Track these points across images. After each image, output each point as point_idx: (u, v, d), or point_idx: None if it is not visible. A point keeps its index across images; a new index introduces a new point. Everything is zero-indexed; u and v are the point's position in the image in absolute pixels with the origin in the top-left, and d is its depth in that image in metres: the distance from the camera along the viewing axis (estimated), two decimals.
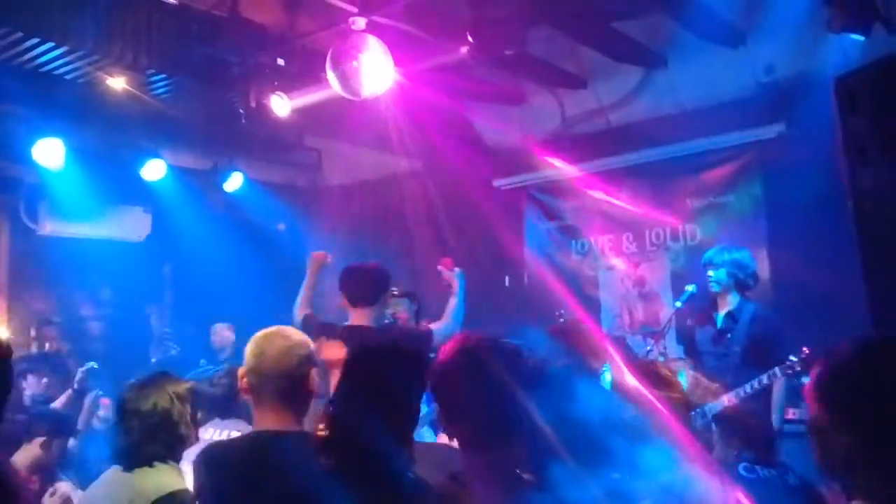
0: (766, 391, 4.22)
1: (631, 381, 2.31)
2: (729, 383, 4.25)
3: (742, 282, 4.63)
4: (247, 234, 7.22)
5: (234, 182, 6.80)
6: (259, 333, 2.18)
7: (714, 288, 4.65)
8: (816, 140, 4.25)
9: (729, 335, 4.59)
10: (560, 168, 6.65)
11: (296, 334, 2.21)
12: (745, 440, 3.11)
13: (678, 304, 4.87)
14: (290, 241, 7.72)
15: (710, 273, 4.65)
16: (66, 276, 6.50)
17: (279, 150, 7.20)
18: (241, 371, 2.16)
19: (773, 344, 4.38)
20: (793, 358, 4.09)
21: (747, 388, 4.17)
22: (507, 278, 7.11)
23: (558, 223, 6.96)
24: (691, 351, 4.85)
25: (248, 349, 2.16)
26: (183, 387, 2.55)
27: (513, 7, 3.99)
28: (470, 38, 4.05)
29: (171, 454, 2.47)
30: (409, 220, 6.92)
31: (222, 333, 6.52)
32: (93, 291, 6.92)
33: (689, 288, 4.80)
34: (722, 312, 4.67)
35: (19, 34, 4.23)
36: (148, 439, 2.42)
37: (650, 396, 2.18)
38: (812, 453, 1.35)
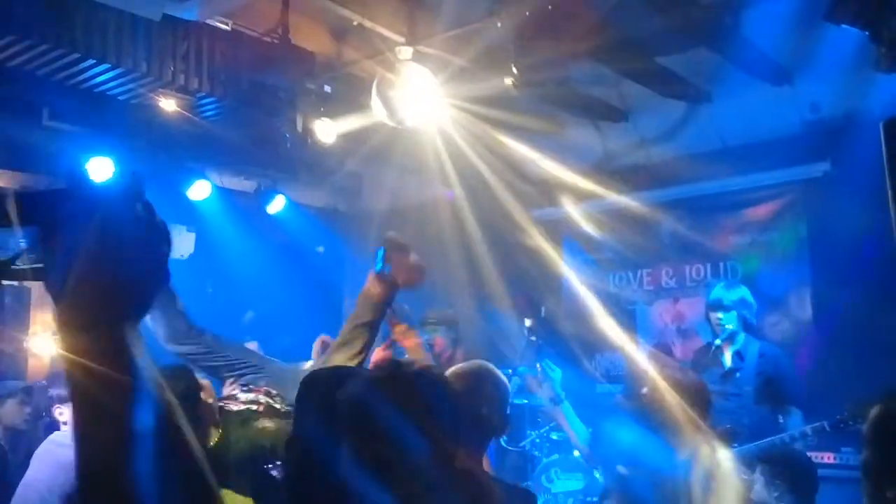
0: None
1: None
2: (746, 424, 4.18)
3: (748, 320, 4.59)
4: (287, 256, 7.32)
5: (276, 204, 6.91)
6: None
7: (724, 333, 4.58)
8: (862, 180, 4.18)
9: (738, 374, 4.53)
10: (600, 200, 6.64)
11: None
12: (791, 483, 3.04)
13: (718, 341, 4.81)
14: (329, 264, 7.81)
15: (720, 316, 4.59)
16: None
17: (321, 174, 7.30)
18: None
19: (785, 380, 4.32)
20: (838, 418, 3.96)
21: (786, 437, 4.07)
22: (542, 309, 7.09)
23: (597, 256, 6.94)
24: None
25: None
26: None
27: (557, 40, 4.03)
28: (514, 70, 4.09)
29: None
30: (448, 247, 6.94)
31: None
32: None
33: (730, 326, 4.74)
34: (728, 352, 4.60)
35: (76, 55, 4.37)
36: None
37: None
38: (864, 496, 1.33)
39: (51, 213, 0.79)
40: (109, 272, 0.78)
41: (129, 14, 4.03)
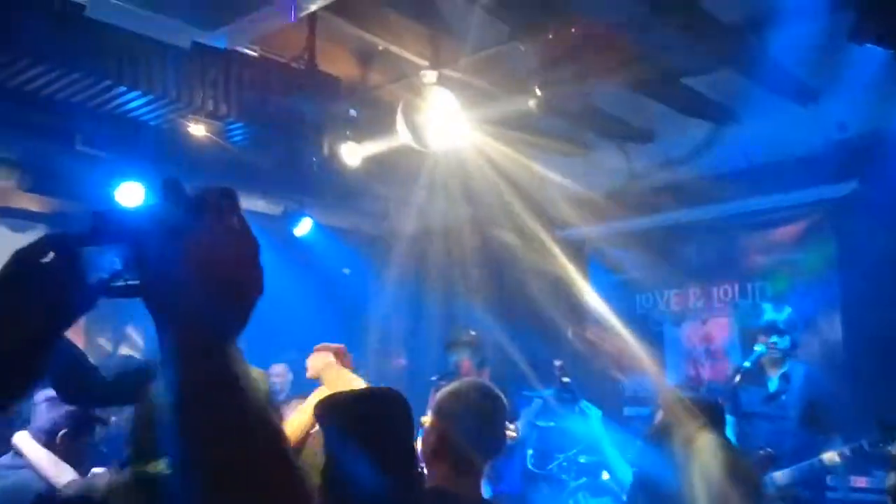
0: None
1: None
2: (787, 448, 4.12)
3: (795, 342, 4.55)
4: (313, 278, 7.37)
5: (303, 227, 6.97)
6: None
7: (776, 355, 4.54)
8: (890, 198, 4.15)
9: (783, 397, 4.47)
10: (625, 221, 6.63)
11: None
12: None
13: (747, 364, 4.75)
14: (355, 286, 7.85)
15: (774, 339, 4.54)
16: (138, 315, 6.71)
17: (348, 197, 7.36)
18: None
19: (830, 407, 4.26)
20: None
21: (816, 462, 4.02)
22: (569, 330, 7.07)
23: (622, 277, 6.91)
24: (735, 411, 4.72)
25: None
26: None
27: (581, 62, 4.05)
28: (538, 92, 4.12)
29: None
30: (473, 269, 6.97)
31: (282, 374, 6.61)
32: None
33: (759, 348, 4.68)
34: (775, 374, 4.54)
35: (108, 82, 4.47)
36: None
37: None
38: None
39: (146, 229, 0.79)
40: (222, 289, 0.77)
41: (160, 42, 4.11)
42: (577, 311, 7.03)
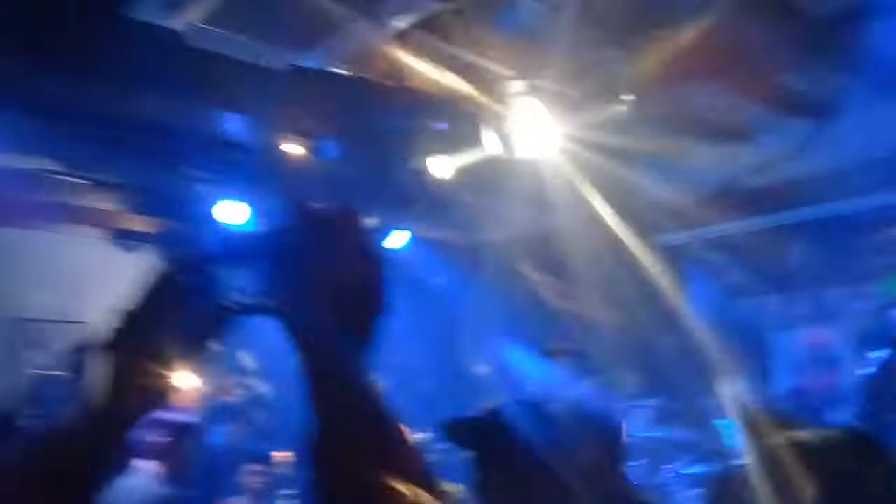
0: None
1: None
2: None
3: None
4: (408, 289, 7.45)
5: (396, 240, 7.06)
6: None
7: None
8: None
9: None
10: (724, 225, 6.43)
11: None
12: None
13: (866, 370, 4.51)
14: (448, 296, 7.91)
15: None
16: (247, 328, 6.93)
17: (438, 208, 7.42)
18: None
19: None
20: None
21: None
22: (668, 339, 6.89)
23: (723, 283, 6.70)
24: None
25: None
26: None
27: (675, 64, 3.96)
28: (631, 97, 4.04)
29: None
30: (566, 278, 6.89)
31: None
32: (273, 341, 7.35)
33: (879, 353, 4.45)
34: None
35: (208, 106, 4.66)
36: None
37: None
38: None
39: (276, 250, 0.82)
40: (351, 308, 0.79)
41: (256, 65, 4.25)
42: (675, 320, 6.85)
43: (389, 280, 0.84)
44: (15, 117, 3.97)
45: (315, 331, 0.79)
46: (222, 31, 3.29)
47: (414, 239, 7.27)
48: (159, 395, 0.89)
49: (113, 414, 0.87)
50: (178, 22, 3.29)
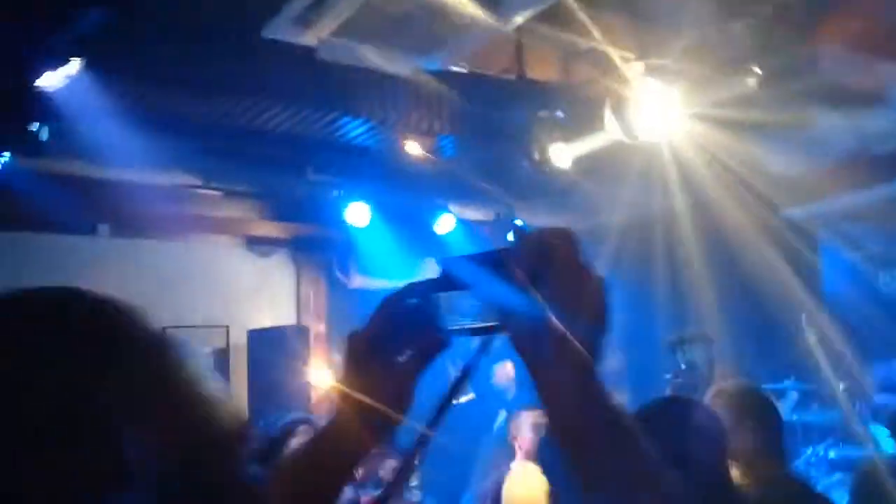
0: None
1: None
2: None
3: None
4: None
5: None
6: None
7: None
8: None
9: None
10: (857, 193, 6.13)
11: None
12: None
13: None
14: None
15: None
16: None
17: (554, 195, 7.40)
18: None
19: None
20: None
21: None
22: (803, 316, 6.63)
23: (860, 254, 6.39)
24: None
25: None
26: None
27: (801, 29, 3.82)
28: (758, 70, 3.93)
29: None
30: (694, 260, 6.74)
31: (505, 373, 6.72)
32: None
33: None
34: None
35: (335, 114, 4.83)
36: None
37: None
38: None
39: (500, 275, 0.83)
40: (580, 328, 0.82)
41: (378, 70, 4.38)
42: (811, 296, 6.59)
43: (611, 300, 0.85)
44: (163, 137, 4.25)
45: (544, 355, 0.81)
46: (351, 43, 3.41)
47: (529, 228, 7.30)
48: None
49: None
50: (308, 38, 3.44)
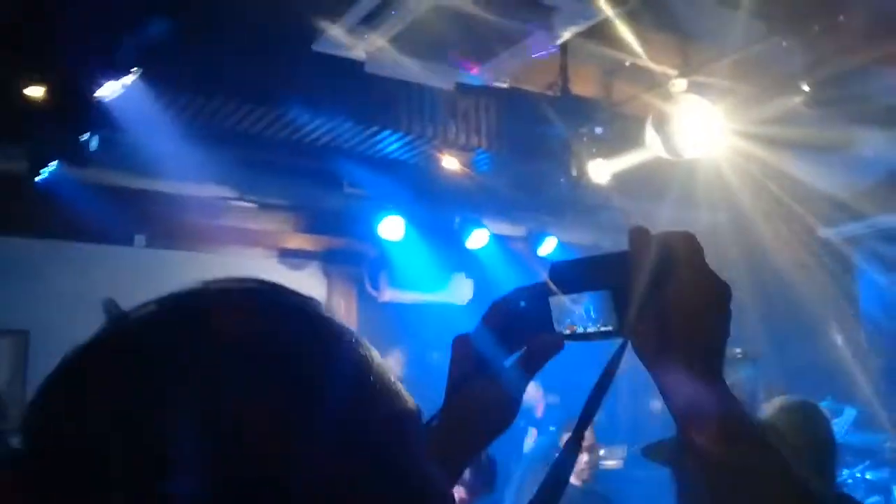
0: None
1: None
2: None
3: None
4: None
5: (547, 246, 7.06)
6: None
7: None
8: None
9: None
10: None
11: None
12: None
13: None
14: None
15: None
16: (402, 338, 7.14)
17: (587, 213, 7.36)
18: None
19: None
20: None
21: None
22: (839, 338, 6.54)
23: None
24: None
25: None
26: None
27: (853, 51, 3.78)
28: (806, 88, 3.89)
29: None
30: (734, 278, 6.67)
31: (534, 389, 6.68)
32: (422, 353, 7.52)
33: None
34: None
35: (374, 128, 4.83)
36: None
37: None
38: None
39: (621, 279, 0.83)
40: (699, 334, 0.81)
41: (418, 84, 4.38)
42: (849, 315, 6.50)
43: (729, 309, 0.83)
44: (206, 148, 4.27)
45: (666, 360, 0.80)
46: (399, 56, 3.41)
47: (561, 244, 7.24)
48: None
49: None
50: (357, 51, 3.44)
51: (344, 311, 6.92)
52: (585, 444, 4.11)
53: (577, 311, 0.88)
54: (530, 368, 0.91)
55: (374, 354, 0.59)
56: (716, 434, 0.76)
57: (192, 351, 0.53)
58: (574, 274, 0.89)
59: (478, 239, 6.48)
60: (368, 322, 6.99)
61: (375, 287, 7.01)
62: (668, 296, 0.80)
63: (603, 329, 0.85)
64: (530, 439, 6.49)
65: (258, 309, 0.58)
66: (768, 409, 2.43)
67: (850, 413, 5.42)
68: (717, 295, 0.82)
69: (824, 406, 5.61)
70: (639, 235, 0.85)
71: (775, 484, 0.76)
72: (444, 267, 7.07)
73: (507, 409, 0.92)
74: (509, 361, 0.92)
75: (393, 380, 0.59)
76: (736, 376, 4.50)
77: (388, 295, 6.98)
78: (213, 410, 0.50)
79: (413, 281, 6.88)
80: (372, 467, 0.53)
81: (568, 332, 0.89)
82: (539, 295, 0.91)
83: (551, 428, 5.96)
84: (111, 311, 0.58)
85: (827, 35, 3.78)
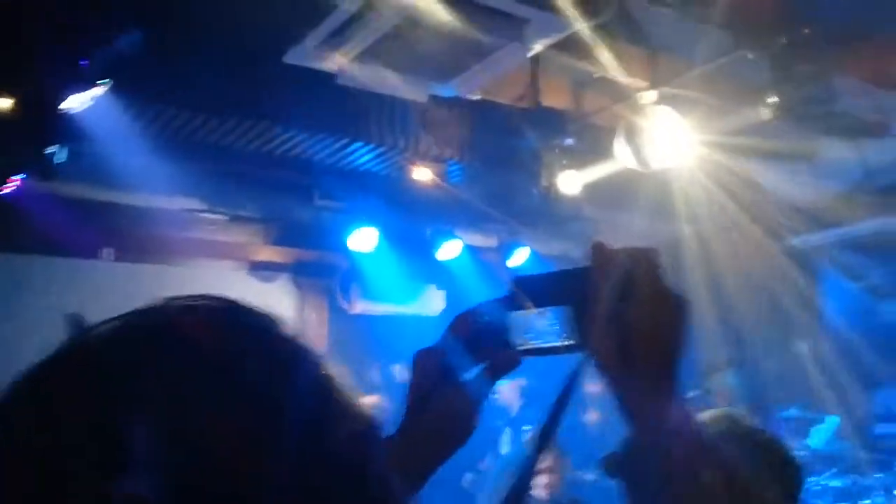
0: None
1: None
2: None
3: None
4: None
5: (518, 257, 7.08)
6: None
7: None
8: None
9: None
10: (861, 223, 6.17)
11: None
12: None
13: None
14: None
15: None
16: (373, 350, 7.10)
17: (558, 223, 7.40)
18: None
19: None
20: None
21: None
22: (805, 346, 6.63)
23: (862, 284, 6.42)
24: None
25: None
26: None
27: (818, 61, 3.85)
28: (772, 99, 3.95)
29: None
30: (694, 289, 6.75)
31: (511, 389, 6.65)
32: (393, 364, 7.49)
33: None
34: None
35: (345, 140, 4.82)
36: None
37: None
38: None
39: (579, 294, 0.84)
40: (656, 349, 0.82)
41: (389, 96, 4.38)
42: (813, 325, 6.60)
43: (687, 325, 0.84)
44: (174, 161, 4.23)
45: (623, 375, 0.82)
46: (373, 69, 3.41)
47: (534, 255, 7.27)
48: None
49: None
50: (329, 63, 3.43)
51: (315, 323, 6.88)
52: (546, 464, 4.08)
53: (541, 325, 0.89)
54: (486, 385, 0.93)
55: (335, 372, 0.60)
56: (673, 446, 0.78)
57: (157, 368, 0.53)
58: (537, 288, 0.89)
59: (450, 250, 6.48)
60: (340, 334, 6.96)
61: (347, 299, 6.98)
62: (628, 311, 0.81)
63: (565, 343, 0.86)
64: (506, 438, 6.49)
65: (221, 326, 0.58)
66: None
67: (832, 421, 5.49)
68: (675, 310, 0.83)
69: (795, 414, 5.70)
70: (600, 251, 0.86)
71: (730, 494, 0.78)
72: (416, 278, 7.06)
73: (467, 422, 0.93)
74: (471, 374, 0.93)
75: (353, 396, 0.60)
76: (723, 384, 4.54)
77: (360, 307, 6.95)
78: (181, 427, 0.50)
79: (384, 293, 6.86)
80: (335, 483, 0.54)
81: (530, 346, 0.90)
82: (503, 309, 0.91)
83: (525, 427, 5.98)
84: (75, 325, 0.58)
85: (792, 48, 3.84)
